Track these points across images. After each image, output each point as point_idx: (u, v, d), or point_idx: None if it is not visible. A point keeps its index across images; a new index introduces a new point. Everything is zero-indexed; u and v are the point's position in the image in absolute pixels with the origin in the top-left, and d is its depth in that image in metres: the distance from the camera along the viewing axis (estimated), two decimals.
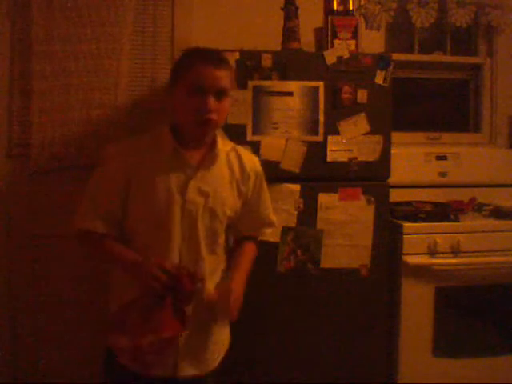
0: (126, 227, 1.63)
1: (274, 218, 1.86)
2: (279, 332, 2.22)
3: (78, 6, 2.35)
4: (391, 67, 2.23)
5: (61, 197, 2.35)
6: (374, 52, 2.34)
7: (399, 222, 2.38)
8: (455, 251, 2.35)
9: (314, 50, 2.40)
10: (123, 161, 1.61)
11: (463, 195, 2.72)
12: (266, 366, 2.21)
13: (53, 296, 2.40)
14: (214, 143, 1.66)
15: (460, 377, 2.35)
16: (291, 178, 2.18)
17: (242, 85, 2.10)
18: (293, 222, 2.18)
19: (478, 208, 2.70)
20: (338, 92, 2.20)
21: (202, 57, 1.59)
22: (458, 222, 2.44)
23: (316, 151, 2.20)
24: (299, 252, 2.20)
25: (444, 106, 3.13)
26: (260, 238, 1.87)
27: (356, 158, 2.23)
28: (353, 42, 2.29)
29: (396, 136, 2.38)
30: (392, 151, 2.26)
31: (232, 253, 1.77)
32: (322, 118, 2.19)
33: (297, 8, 2.31)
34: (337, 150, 2.21)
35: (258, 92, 2.15)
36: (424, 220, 2.40)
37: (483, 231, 2.41)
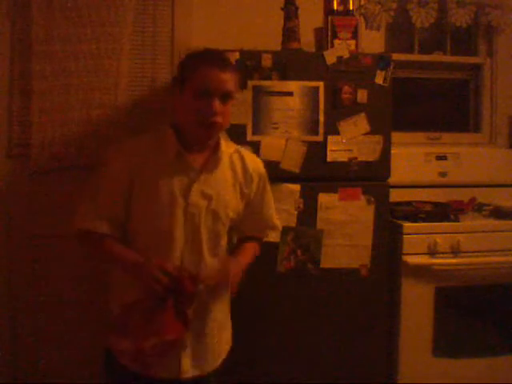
0: (129, 228, 1.63)
1: (277, 221, 1.87)
2: (279, 332, 2.22)
3: (78, 6, 2.35)
4: (391, 67, 2.23)
5: (61, 197, 2.35)
6: (374, 52, 2.34)
7: (399, 222, 2.38)
8: (455, 251, 2.35)
9: (314, 50, 2.40)
10: (127, 161, 1.61)
11: (463, 195, 2.72)
12: (266, 365, 2.21)
13: (53, 296, 2.39)
14: (217, 146, 1.66)
15: (460, 377, 2.36)
16: (291, 178, 2.18)
17: (242, 85, 2.10)
18: (293, 222, 2.18)
19: (478, 208, 2.70)
20: (338, 92, 2.20)
21: (208, 59, 1.59)
22: (458, 222, 2.44)
23: (316, 151, 2.20)
24: (299, 252, 2.20)
25: (444, 106, 3.13)
26: (263, 240, 1.87)
27: (356, 158, 2.23)
28: (353, 42, 2.29)
29: (396, 136, 2.38)
30: (392, 151, 2.26)
31: (234, 250, 1.78)
32: (322, 118, 2.19)
33: (297, 8, 2.31)
34: (337, 150, 2.21)
35: (258, 92, 2.15)
36: (424, 220, 2.40)
37: (483, 231, 2.41)
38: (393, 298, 2.34)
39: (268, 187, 1.80)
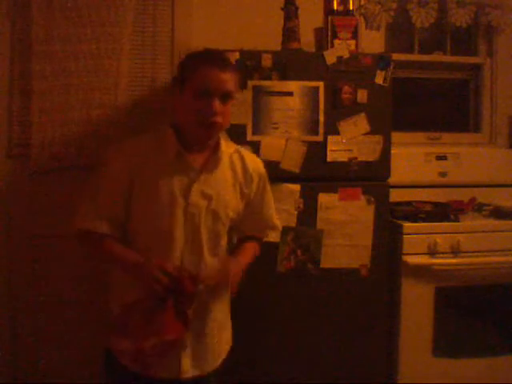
0: (129, 228, 1.63)
1: (277, 221, 1.87)
2: (279, 332, 2.22)
3: (78, 6, 2.35)
4: (391, 67, 2.23)
5: (61, 197, 2.35)
6: (374, 52, 2.34)
7: (399, 222, 2.38)
8: (455, 251, 2.35)
9: (314, 50, 2.40)
10: (127, 161, 1.61)
11: (463, 195, 2.72)
12: (266, 365, 2.21)
13: (53, 296, 2.39)
14: (217, 146, 1.66)
15: (460, 377, 2.36)
16: (291, 177, 2.18)
17: (242, 85, 2.10)
18: (293, 222, 2.18)
19: (478, 208, 2.70)
20: (338, 92, 2.20)
21: (208, 59, 1.59)
22: (458, 222, 2.44)
23: (316, 151, 2.20)
24: (299, 252, 2.20)
25: (444, 106, 3.13)
26: (263, 240, 1.87)
27: (356, 158, 2.23)
28: (353, 42, 2.29)
29: (396, 136, 2.38)
30: (392, 151, 2.26)
31: (234, 250, 1.78)
32: (322, 118, 2.19)
33: (297, 8, 2.31)
34: (337, 150, 2.21)
35: (258, 92, 2.15)
36: (424, 220, 2.40)
37: (483, 231, 2.41)
38: (393, 298, 2.34)
39: (268, 187, 1.80)
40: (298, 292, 2.22)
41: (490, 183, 2.82)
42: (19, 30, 2.35)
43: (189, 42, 2.45)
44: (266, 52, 2.15)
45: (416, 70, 3.00)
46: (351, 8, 2.37)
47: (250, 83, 2.13)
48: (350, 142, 2.22)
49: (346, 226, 2.22)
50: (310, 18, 2.36)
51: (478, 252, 2.36)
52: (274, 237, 1.90)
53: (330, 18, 2.30)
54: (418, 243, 2.33)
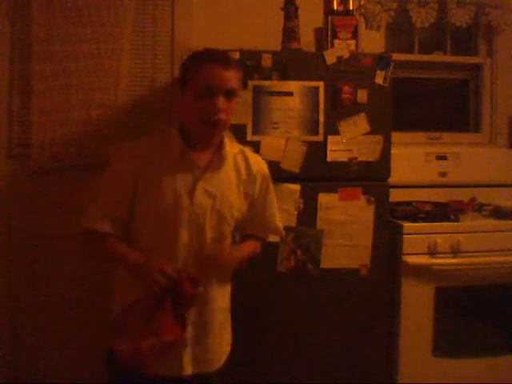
0: (132, 228, 1.63)
1: (279, 224, 1.87)
2: (279, 332, 2.22)
3: (78, 6, 2.35)
4: (391, 67, 2.23)
5: (61, 197, 2.35)
6: (374, 52, 2.34)
7: (399, 222, 2.38)
8: (455, 251, 2.34)
9: (314, 50, 2.40)
10: (131, 162, 1.61)
11: (463, 195, 2.71)
12: (266, 365, 2.21)
13: (53, 296, 2.40)
14: (221, 145, 1.66)
15: (460, 377, 2.36)
16: (291, 178, 2.18)
17: (242, 85, 2.10)
18: (293, 222, 2.18)
19: (478, 208, 2.70)
20: (338, 92, 2.20)
21: (210, 58, 1.59)
22: (458, 222, 2.44)
23: (316, 151, 2.20)
24: (299, 252, 2.20)
25: (444, 106, 3.12)
26: (265, 241, 1.87)
27: (356, 158, 2.23)
28: (353, 42, 2.29)
29: (396, 136, 2.38)
30: (392, 151, 2.26)
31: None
32: (322, 118, 2.19)
33: (297, 8, 2.31)
34: (337, 150, 2.21)
35: (258, 92, 2.15)
36: (424, 220, 2.40)
37: (483, 231, 2.41)
38: (393, 298, 2.34)
39: (271, 189, 1.81)
40: (297, 292, 2.22)
41: (490, 183, 2.82)
42: (19, 30, 2.36)
43: (189, 42, 2.45)
44: (266, 52, 2.15)
45: (416, 69, 3.00)
46: (351, 8, 2.37)
47: (250, 83, 2.13)
48: (349, 142, 2.21)
49: (346, 226, 2.22)
50: (310, 18, 2.36)
51: (478, 252, 2.36)
52: (274, 237, 1.90)
53: (329, 18, 2.30)
54: (418, 243, 2.33)
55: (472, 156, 2.84)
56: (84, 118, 2.38)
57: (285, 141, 2.17)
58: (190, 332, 1.60)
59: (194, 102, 1.57)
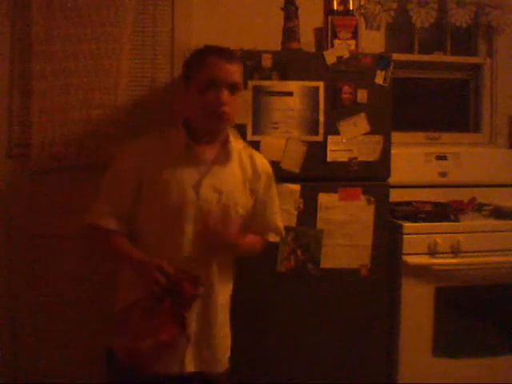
0: (137, 224, 1.64)
1: (280, 224, 1.87)
2: (279, 332, 2.22)
3: (78, 6, 2.35)
4: (391, 67, 2.23)
5: (61, 197, 2.35)
6: (374, 52, 2.33)
7: (399, 222, 2.37)
8: (455, 251, 2.34)
9: (314, 50, 2.40)
10: (135, 159, 1.62)
11: (463, 195, 2.71)
12: (266, 365, 2.21)
13: (53, 296, 2.40)
14: (227, 140, 1.67)
15: (460, 377, 2.35)
16: (291, 178, 2.18)
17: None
18: (293, 222, 2.18)
19: (478, 208, 2.70)
20: (338, 92, 2.20)
21: (214, 52, 1.62)
22: (458, 222, 2.44)
23: (316, 151, 2.20)
24: (299, 252, 2.20)
25: (444, 106, 3.12)
26: (267, 240, 1.87)
27: (356, 158, 2.22)
28: (353, 42, 2.29)
29: (396, 136, 2.38)
30: (392, 151, 2.26)
31: None
32: (322, 118, 2.19)
33: (297, 8, 2.31)
34: (337, 150, 2.21)
35: (258, 92, 2.14)
36: (424, 220, 2.40)
37: (483, 231, 2.40)
38: (393, 298, 2.34)
39: (274, 188, 1.81)
40: (298, 292, 2.22)
41: (490, 183, 2.82)
42: (19, 30, 2.35)
43: (189, 42, 2.45)
44: (266, 52, 2.15)
45: (416, 69, 2.99)
46: (351, 8, 2.37)
47: (250, 83, 2.13)
48: (350, 142, 2.21)
49: (346, 226, 2.22)
50: (310, 18, 2.36)
51: (478, 252, 2.36)
52: (274, 237, 1.91)
53: (329, 18, 2.30)
54: (418, 243, 2.33)
55: (472, 156, 2.84)
56: (84, 118, 2.38)
57: (285, 141, 2.17)
58: (193, 327, 1.61)
59: (198, 97, 1.58)
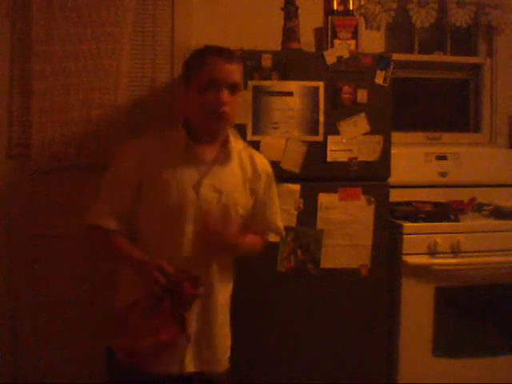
0: (137, 224, 1.64)
1: (280, 224, 1.87)
2: (279, 332, 2.22)
3: (78, 6, 2.35)
4: (391, 67, 2.23)
5: (61, 197, 2.35)
6: (374, 52, 2.34)
7: (399, 222, 2.37)
8: (455, 251, 2.34)
9: (314, 50, 2.40)
10: (135, 161, 1.62)
11: (463, 195, 2.71)
12: (266, 365, 2.21)
13: (53, 296, 2.40)
14: (226, 140, 1.67)
15: (460, 377, 2.35)
16: (291, 178, 2.18)
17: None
18: (293, 222, 2.18)
19: (478, 208, 2.70)
20: (338, 92, 2.20)
21: (214, 52, 1.62)
22: (458, 222, 2.44)
23: (316, 151, 2.20)
24: (299, 252, 2.20)
25: (444, 106, 3.12)
26: (267, 240, 1.87)
27: (356, 158, 2.22)
28: (353, 42, 2.29)
29: (396, 136, 2.38)
30: (392, 151, 2.26)
31: None
32: (322, 118, 2.19)
33: (297, 8, 2.31)
34: (337, 150, 2.21)
35: (258, 92, 2.14)
36: (424, 220, 2.40)
37: (483, 231, 2.40)
38: (393, 298, 2.34)
39: (274, 188, 1.82)
40: (298, 292, 2.22)
41: (490, 183, 2.82)
42: (19, 30, 2.35)
43: (189, 42, 2.45)
44: (266, 52, 2.15)
45: (416, 69, 2.99)
46: (351, 8, 2.37)
47: (250, 83, 2.13)
48: (350, 142, 2.21)
49: (346, 226, 2.22)
50: (310, 18, 2.36)
51: (478, 252, 2.36)
52: (274, 237, 1.91)
53: (329, 18, 2.30)
54: (418, 243, 2.33)
55: (472, 156, 2.84)
56: (84, 118, 2.38)
57: (285, 141, 2.17)
58: (193, 327, 1.61)
59: (198, 97, 1.59)
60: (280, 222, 1.87)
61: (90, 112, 2.38)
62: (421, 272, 2.31)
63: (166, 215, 1.59)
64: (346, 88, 2.20)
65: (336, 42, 2.28)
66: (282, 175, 2.14)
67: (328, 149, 2.20)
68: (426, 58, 2.98)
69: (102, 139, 2.38)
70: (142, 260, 1.56)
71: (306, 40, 2.37)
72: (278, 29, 2.32)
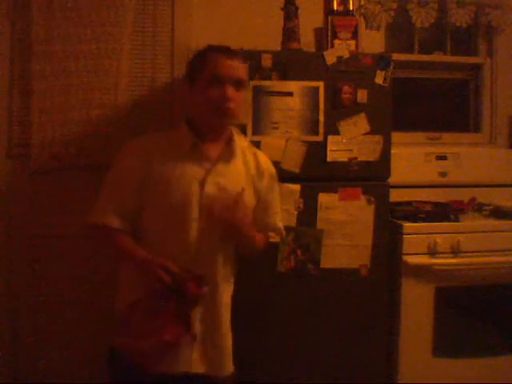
0: (141, 222, 1.64)
1: (280, 224, 1.88)
2: (279, 332, 2.22)
3: (78, 6, 2.35)
4: (391, 67, 2.23)
5: (61, 197, 2.35)
6: (374, 52, 2.34)
7: (399, 222, 2.37)
8: (455, 251, 2.34)
9: (314, 50, 2.40)
10: (139, 160, 1.63)
11: (463, 195, 2.72)
12: (266, 365, 2.21)
13: (53, 296, 2.39)
14: (231, 137, 1.68)
15: (460, 377, 2.35)
16: (291, 177, 2.18)
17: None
18: (293, 222, 2.18)
19: (478, 208, 2.70)
20: (337, 92, 2.20)
21: (215, 50, 1.64)
22: (458, 222, 2.44)
23: (316, 151, 2.20)
24: (299, 252, 2.20)
25: (444, 106, 3.12)
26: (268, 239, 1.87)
27: (356, 158, 2.22)
28: (353, 42, 2.29)
29: (396, 136, 2.38)
30: (392, 151, 2.26)
31: None
32: (322, 118, 2.19)
33: (297, 8, 2.31)
34: (337, 150, 2.21)
35: (258, 92, 2.15)
36: (424, 220, 2.40)
37: (483, 231, 2.40)
38: (393, 298, 2.34)
39: (276, 188, 1.82)
40: (298, 292, 2.22)
41: (490, 183, 2.82)
42: (19, 30, 2.35)
43: (189, 42, 2.45)
44: (266, 52, 2.15)
45: (416, 69, 2.99)
46: (351, 8, 2.36)
47: (250, 83, 2.12)
48: (350, 142, 2.21)
49: (346, 226, 2.22)
50: (310, 18, 2.36)
51: (478, 252, 2.36)
52: (274, 237, 1.91)
53: (329, 18, 2.30)
54: (418, 243, 2.33)
55: (472, 156, 2.84)
56: (84, 118, 2.38)
57: (285, 141, 2.17)
58: (198, 327, 1.61)
59: (202, 94, 1.60)
60: (280, 222, 1.87)
61: (90, 112, 2.38)
62: (421, 272, 2.31)
63: (171, 213, 1.59)
64: (345, 88, 2.20)
65: (336, 42, 2.28)
66: (282, 175, 2.14)
67: (328, 149, 2.20)
68: (426, 58, 2.98)
69: (101, 139, 2.37)
70: (146, 259, 1.56)
71: (306, 40, 2.37)
72: (278, 29, 2.32)
